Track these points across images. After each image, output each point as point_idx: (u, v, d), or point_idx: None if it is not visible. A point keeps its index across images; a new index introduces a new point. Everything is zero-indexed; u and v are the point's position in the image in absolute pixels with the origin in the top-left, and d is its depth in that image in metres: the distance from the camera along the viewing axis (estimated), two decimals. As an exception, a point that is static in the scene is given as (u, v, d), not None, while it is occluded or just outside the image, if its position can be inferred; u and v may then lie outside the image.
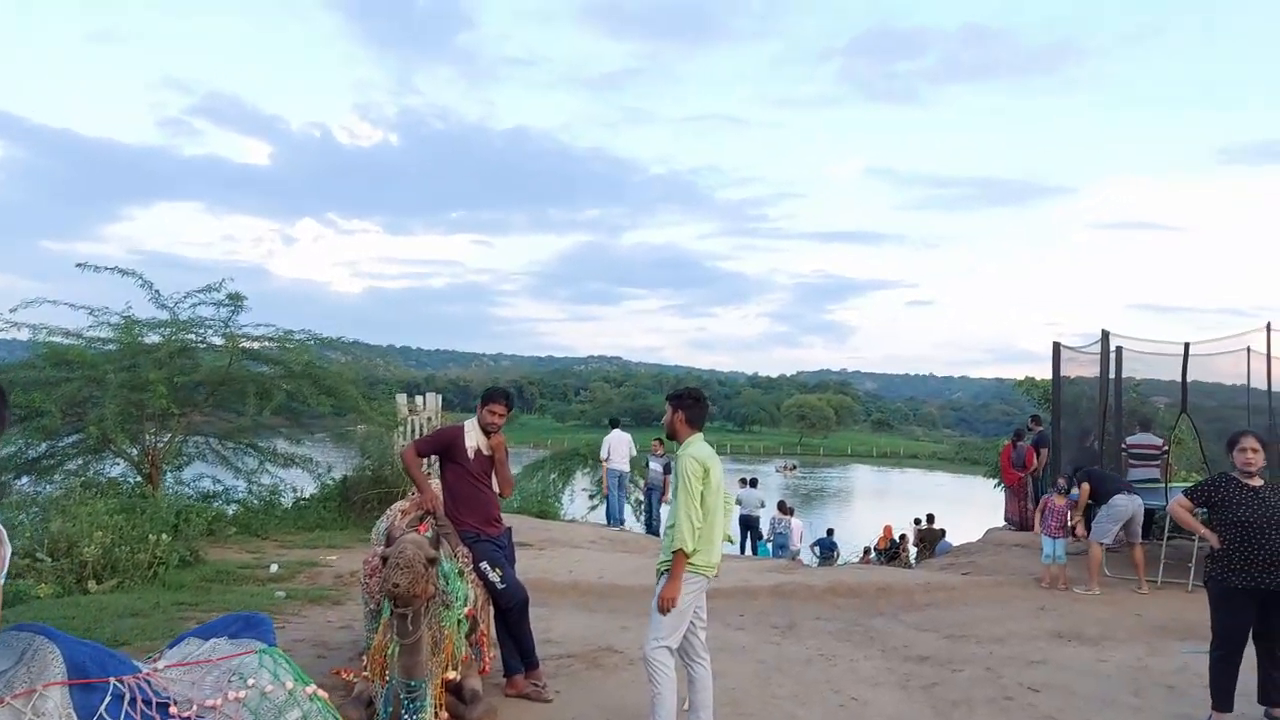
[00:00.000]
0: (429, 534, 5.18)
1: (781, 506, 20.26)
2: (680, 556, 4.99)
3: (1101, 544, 10.65)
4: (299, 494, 14.52)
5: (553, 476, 21.04)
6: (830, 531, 23.92)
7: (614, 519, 16.54)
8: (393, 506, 6.17)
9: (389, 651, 4.70)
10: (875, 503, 54.23)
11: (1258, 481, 5.71)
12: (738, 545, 18.84)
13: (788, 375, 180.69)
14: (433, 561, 4.45)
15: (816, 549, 21.77)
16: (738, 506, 19.58)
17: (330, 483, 14.40)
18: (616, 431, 17.04)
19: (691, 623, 5.19)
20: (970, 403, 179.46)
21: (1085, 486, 11.02)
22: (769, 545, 19.41)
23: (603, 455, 16.96)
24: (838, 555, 22.04)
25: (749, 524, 19.57)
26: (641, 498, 18.00)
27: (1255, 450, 5.71)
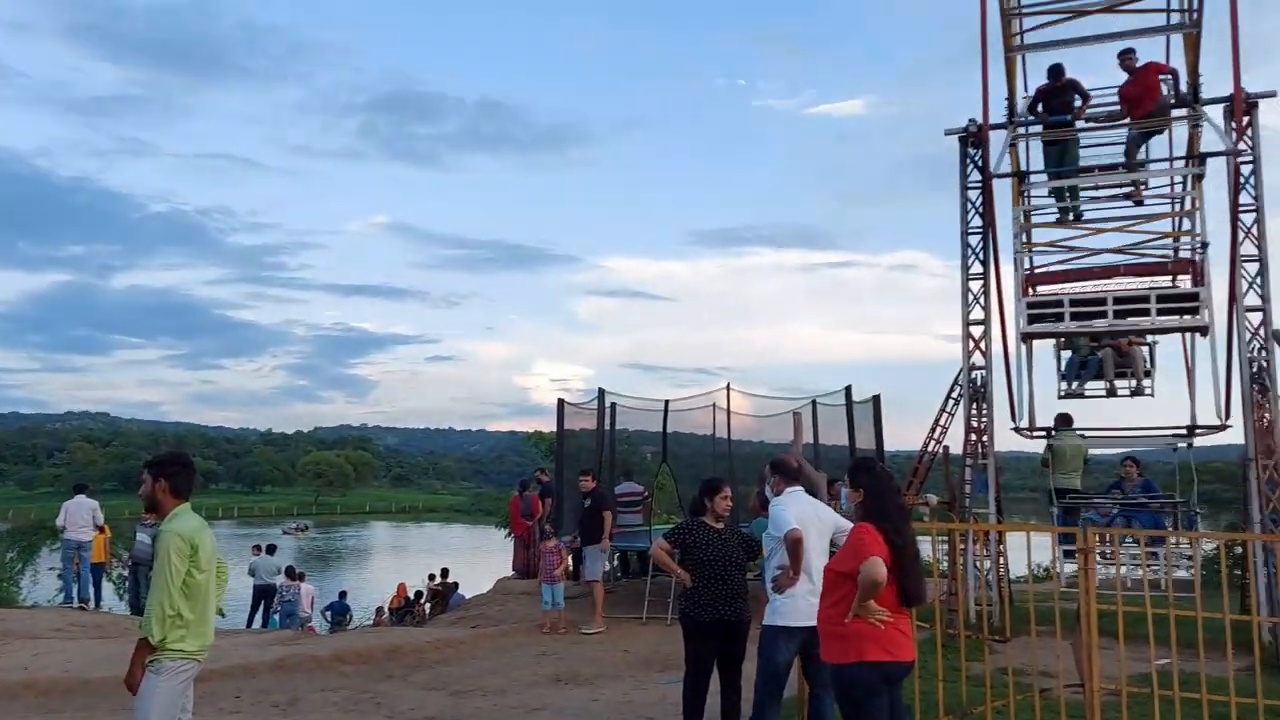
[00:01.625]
0: None
1: (289, 572, 19.06)
2: (145, 645, 4.36)
3: (598, 581, 11.49)
4: None
5: (10, 555, 17.77)
6: (343, 594, 23.08)
7: (74, 596, 14.33)
8: None
9: None
10: (392, 560, 53.54)
11: (720, 525, 6.49)
12: (247, 617, 17.39)
13: (305, 431, 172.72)
14: None
15: (328, 614, 20.82)
16: (250, 577, 18.11)
17: None
18: (80, 497, 14.79)
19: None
20: (487, 455, 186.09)
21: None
22: (276, 615, 18.13)
23: (59, 524, 14.70)
24: (350, 618, 21.27)
25: (264, 594, 18.10)
26: (125, 572, 15.81)
27: (730, 497, 6.49)
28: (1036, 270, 12.38)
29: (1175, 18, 11.80)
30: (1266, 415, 10.58)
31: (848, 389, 14.58)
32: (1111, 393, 12.87)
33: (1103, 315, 11.08)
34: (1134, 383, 12.86)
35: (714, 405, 14.26)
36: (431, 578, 22.41)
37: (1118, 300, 11.11)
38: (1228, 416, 11.67)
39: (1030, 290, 11.77)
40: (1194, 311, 10.79)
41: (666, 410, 14.27)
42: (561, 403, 15.08)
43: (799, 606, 5.58)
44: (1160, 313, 10.87)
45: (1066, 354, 13.21)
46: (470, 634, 11.48)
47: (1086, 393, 13.03)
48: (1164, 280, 11.78)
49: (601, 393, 14.25)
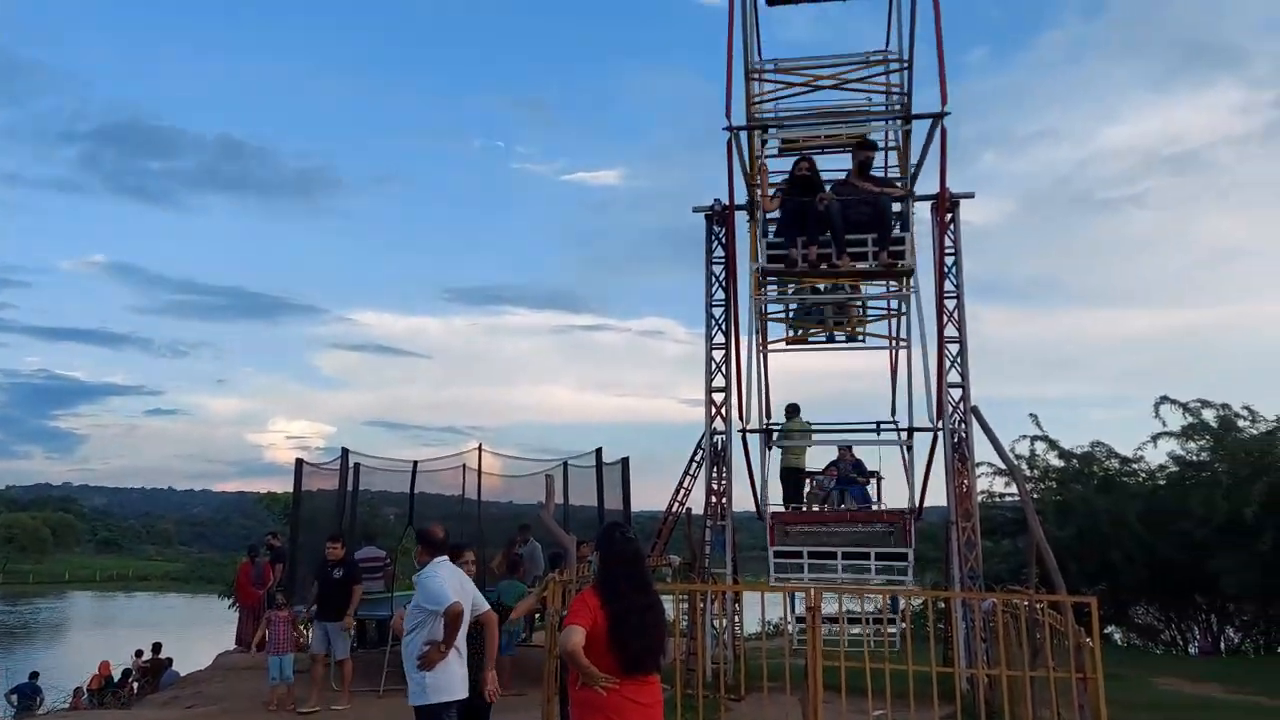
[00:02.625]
0: None
1: (-36, 652, 16.63)
2: None
3: (347, 659, 10.79)
4: None
5: None
6: (34, 675, 20.43)
7: None
8: None
9: None
10: (96, 635, 47.99)
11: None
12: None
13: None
14: None
15: (14, 697, 18.39)
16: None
17: None
18: None
19: None
20: (212, 517, 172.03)
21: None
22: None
23: None
24: (42, 702, 18.87)
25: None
26: None
27: (474, 561, 6.33)
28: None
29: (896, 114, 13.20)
30: (965, 482, 11.75)
31: (598, 451, 14.80)
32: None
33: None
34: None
35: (464, 466, 13.99)
36: (140, 654, 20.28)
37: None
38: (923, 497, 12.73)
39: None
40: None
41: (415, 471, 13.83)
42: (300, 462, 14.24)
43: (454, 678, 5.56)
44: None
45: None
46: (185, 714, 10.45)
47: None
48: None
49: (345, 452, 13.61)
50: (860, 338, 14.31)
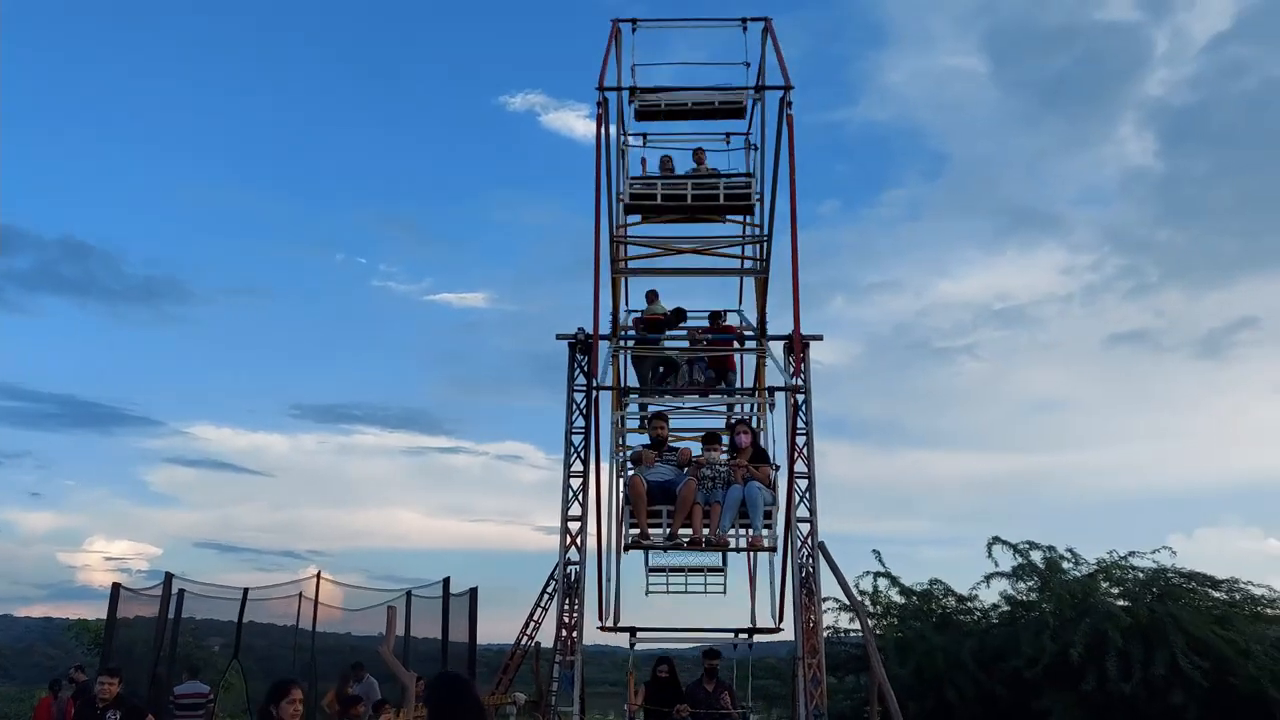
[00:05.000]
0: None
1: None
2: None
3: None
4: None
5: None
6: None
7: None
8: None
9: None
10: None
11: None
12: None
13: None
14: None
15: None
16: None
17: None
18: None
19: None
20: (12, 645, 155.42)
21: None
22: None
23: None
24: None
25: None
26: None
27: (302, 700, 5.91)
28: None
29: (749, 263, 14.01)
30: (812, 618, 11.90)
31: (445, 581, 14.32)
32: None
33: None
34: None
35: (300, 594, 13.27)
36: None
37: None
38: (781, 619, 12.95)
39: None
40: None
41: (245, 599, 13.02)
42: (116, 587, 13.20)
43: None
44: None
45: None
46: None
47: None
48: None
49: (168, 577, 12.70)
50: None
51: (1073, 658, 14.44)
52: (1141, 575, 16.45)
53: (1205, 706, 14.24)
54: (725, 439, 11.71)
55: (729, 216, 14.20)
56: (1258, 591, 16.02)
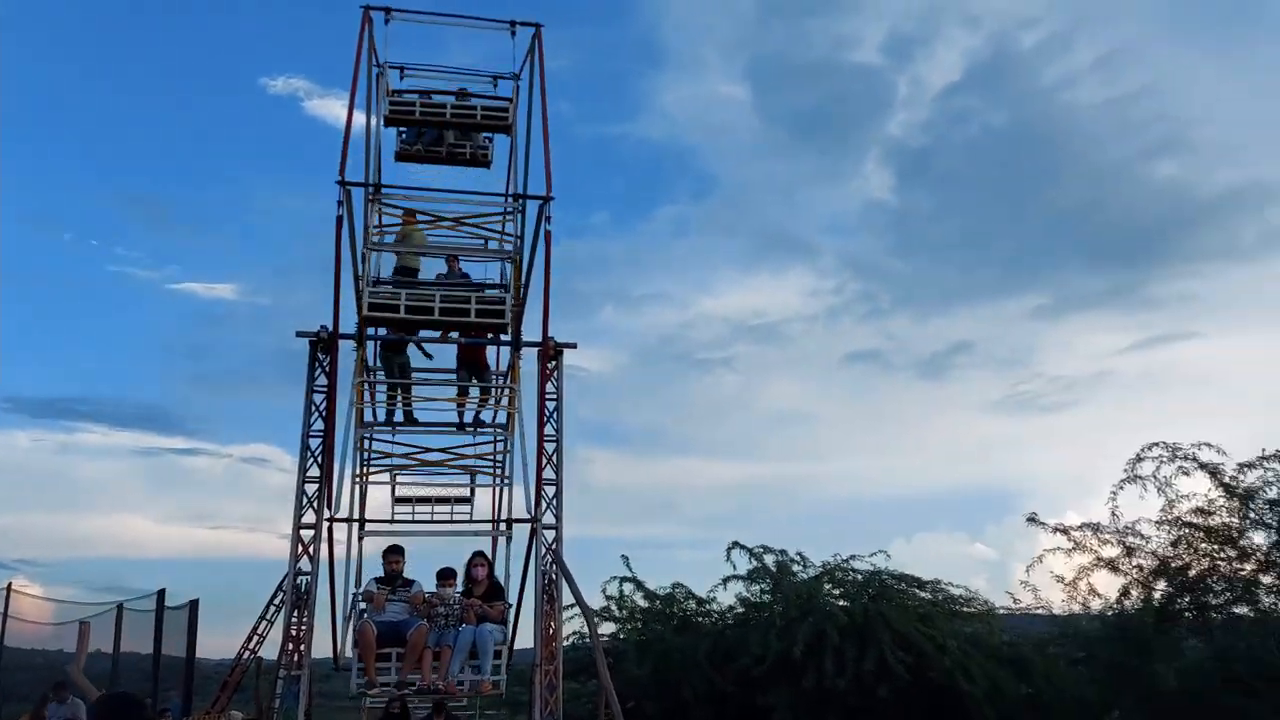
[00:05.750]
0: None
1: None
2: None
3: None
4: None
5: None
6: None
7: None
8: None
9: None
10: None
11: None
12: None
13: None
14: None
15: None
16: None
17: None
18: None
19: None
20: None
21: None
22: None
23: None
24: None
25: None
26: None
27: None
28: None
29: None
30: (552, 624, 11.97)
31: (160, 593, 13.24)
32: None
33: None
34: None
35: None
36: None
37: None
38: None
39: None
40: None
41: (-86, 613, 11.45)
42: None
43: None
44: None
45: None
46: None
47: None
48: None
49: None
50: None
51: (795, 655, 15.33)
52: (860, 577, 17.77)
53: (907, 698, 15.55)
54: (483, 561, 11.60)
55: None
56: (956, 592, 17.74)
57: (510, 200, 13.47)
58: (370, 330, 12.73)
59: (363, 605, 11.03)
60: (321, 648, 12.05)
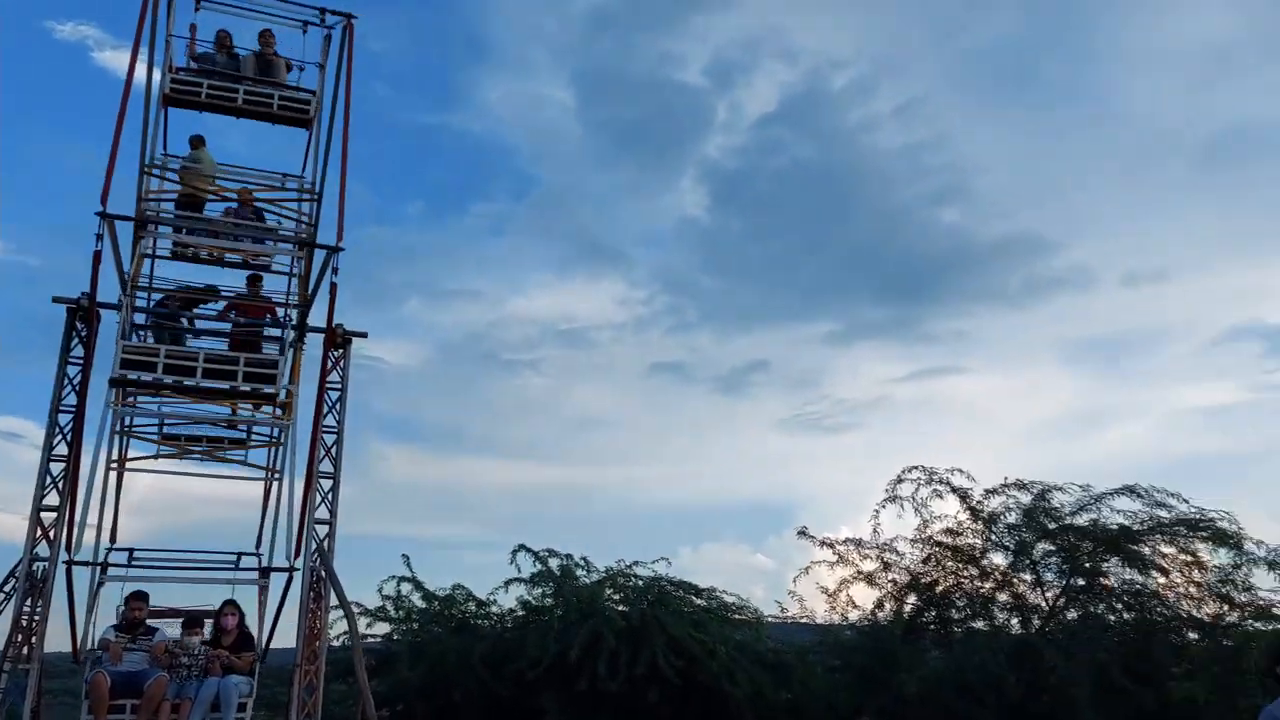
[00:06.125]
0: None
1: None
2: None
3: None
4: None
5: None
6: None
7: None
8: None
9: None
10: None
11: None
12: None
13: None
14: None
15: None
16: None
17: None
18: None
19: None
20: None
21: None
22: None
23: None
24: None
25: None
26: None
27: None
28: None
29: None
30: (317, 623, 11.54)
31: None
32: None
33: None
34: None
35: None
36: None
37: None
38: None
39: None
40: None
41: None
42: None
43: None
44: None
45: None
46: None
47: None
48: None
49: None
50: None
51: (571, 658, 15.46)
52: (640, 583, 18.14)
53: (676, 701, 16.01)
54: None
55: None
56: (729, 600, 18.43)
57: (304, 182, 12.81)
58: (141, 299, 11.84)
59: (100, 653, 10.28)
60: (59, 639, 11.11)
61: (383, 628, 18.52)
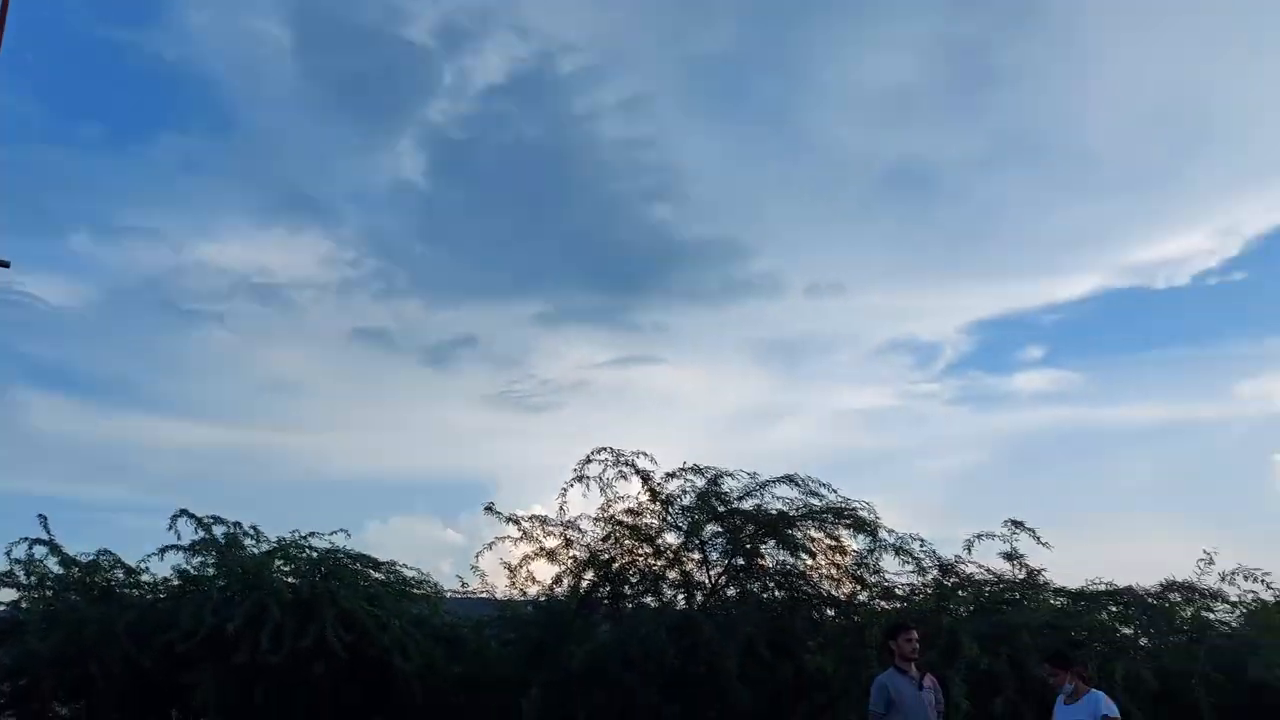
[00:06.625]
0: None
1: None
2: None
3: None
4: None
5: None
6: None
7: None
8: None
9: None
10: None
11: None
12: None
13: None
14: None
15: None
16: None
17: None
18: None
19: None
20: None
21: None
22: None
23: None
24: None
25: None
26: None
27: None
28: None
29: None
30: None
31: None
32: None
33: None
34: None
35: None
36: None
37: None
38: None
39: None
40: None
41: None
42: None
43: None
44: None
45: None
46: None
47: None
48: None
49: None
50: None
51: (229, 631, 14.58)
52: (315, 555, 17.38)
53: (343, 675, 15.56)
54: None
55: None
56: (409, 574, 18.13)
57: None
58: None
59: None
60: None
61: (10, 594, 16.55)
